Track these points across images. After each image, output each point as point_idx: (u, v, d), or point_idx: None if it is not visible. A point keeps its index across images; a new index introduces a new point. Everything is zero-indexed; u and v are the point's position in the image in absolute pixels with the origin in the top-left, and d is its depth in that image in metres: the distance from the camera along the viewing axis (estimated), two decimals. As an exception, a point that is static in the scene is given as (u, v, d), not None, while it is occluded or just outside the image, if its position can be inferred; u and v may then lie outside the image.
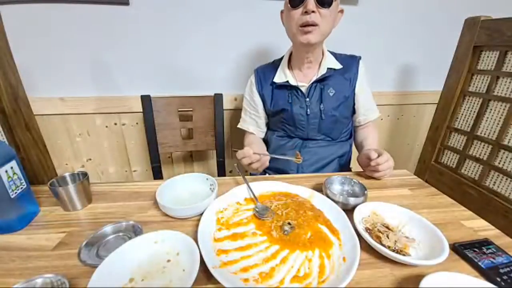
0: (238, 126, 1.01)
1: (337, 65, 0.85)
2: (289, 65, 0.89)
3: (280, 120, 0.91)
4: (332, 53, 0.88)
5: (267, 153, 0.77)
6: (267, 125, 1.00)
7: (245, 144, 0.98)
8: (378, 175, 0.72)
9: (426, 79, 1.42)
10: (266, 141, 0.99)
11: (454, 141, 1.02)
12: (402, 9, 1.25)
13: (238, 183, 0.69)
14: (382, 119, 1.49)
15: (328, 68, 0.84)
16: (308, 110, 0.85)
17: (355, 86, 0.87)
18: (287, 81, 0.85)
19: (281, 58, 0.91)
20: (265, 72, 0.91)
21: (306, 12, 0.70)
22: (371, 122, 0.95)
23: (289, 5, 0.73)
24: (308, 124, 0.87)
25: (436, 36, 1.32)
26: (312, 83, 0.84)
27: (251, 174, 0.92)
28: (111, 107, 1.17)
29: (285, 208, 0.57)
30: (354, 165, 0.95)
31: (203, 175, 0.68)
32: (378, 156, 0.70)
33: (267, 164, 0.74)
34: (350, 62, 0.87)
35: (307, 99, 0.84)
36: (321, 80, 0.84)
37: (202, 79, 1.21)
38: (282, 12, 0.83)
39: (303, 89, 0.85)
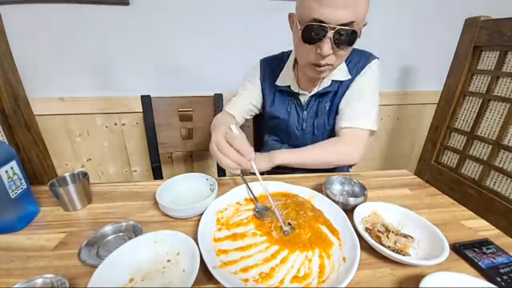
0: (225, 108, 0.88)
1: (346, 76, 0.75)
2: (295, 66, 0.82)
3: (275, 127, 0.90)
4: (356, 51, 0.75)
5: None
6: (261, 126, 0.98)
7: (216, 123, 0.80)
8: None
9: (426, 79, 1.42)
10: (262, 143, 0.99)
11: (454, 141, 1.02)
12: (402, 9, 1.25)
13: (238, 183, 0.69)
14: (382, 119, 1.49)
15: (332, 81, 0.75)
16: (304, 124, 0.82)
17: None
18: (289, 86, 0.81)
19: (289, 54, 0.84)
20: (270, 69, 0.86)
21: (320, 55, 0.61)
22: (349, 130, 0.73)
23: (301, 39, 0.61)
24: (302, 137, 0.85)
25: (436, 36, 1.32)
26: (312, 95, 0.79)
27: (250, 173, 0.92)
28: (111, 107, 1.17)
29: (285, 208, 0.56)
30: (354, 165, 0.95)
31: (203, 175, 0.67)
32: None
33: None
34: (361, 70, 0.76)
35: (304, 112, 0.81)
36: (321, 94, 0.78)
37: (202, 79, 1.21)
38: (291, 15, 0.69)
39: (303, 100, 0.81)
